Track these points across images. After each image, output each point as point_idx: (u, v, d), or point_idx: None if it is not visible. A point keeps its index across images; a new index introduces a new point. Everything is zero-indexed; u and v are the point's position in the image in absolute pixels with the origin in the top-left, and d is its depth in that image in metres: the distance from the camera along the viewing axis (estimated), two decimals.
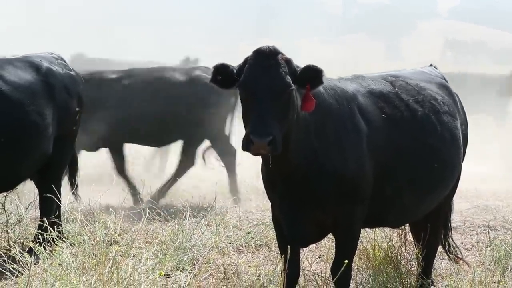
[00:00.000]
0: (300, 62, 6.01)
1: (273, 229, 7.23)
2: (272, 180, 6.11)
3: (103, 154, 13.06)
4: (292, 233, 6.15)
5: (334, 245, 6.40)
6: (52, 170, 8.23)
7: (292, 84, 5.77)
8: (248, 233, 8.90)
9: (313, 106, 5.90)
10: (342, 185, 6.04)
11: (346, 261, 6.07)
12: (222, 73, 5.91)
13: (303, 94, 5.89)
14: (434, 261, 7.36)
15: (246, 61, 5.88)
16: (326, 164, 6.00)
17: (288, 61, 5.85)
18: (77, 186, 8.64)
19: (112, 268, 5.54)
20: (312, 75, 5.87)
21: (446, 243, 7.45)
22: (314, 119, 5.99)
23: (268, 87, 5.72)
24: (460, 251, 7.63)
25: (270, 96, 5.69)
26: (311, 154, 5.97)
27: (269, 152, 5.67)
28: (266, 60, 5.79)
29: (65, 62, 8.53)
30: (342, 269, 6.04)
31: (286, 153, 5.83)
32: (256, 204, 11.08)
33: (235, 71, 5.88)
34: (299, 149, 5.92)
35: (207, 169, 13.01)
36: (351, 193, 6.09)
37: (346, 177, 6.05)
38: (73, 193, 8.64)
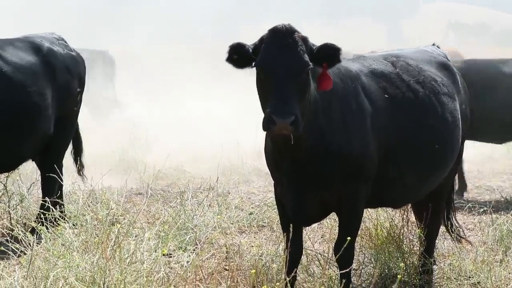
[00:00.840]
0: None
1: (276, 210, 7.25)
2: (279, 160, 6.08)
3: (103, 134, 13.07)
4: (296, 212, 6.14)
5: (338, 225, 6.40)
6: (54, 150, 8.23)
7: (310, 63, 5.75)
8: (251, 213, 8.91)
9: (331, 84, 5.87)
10: (347, 165, 6.03)
11: (345, 239, 6.05)
12: (238, 52, 5.84)
13: (320, 73, 5.86)
14: (437, 241, 7.36)
15: (262, 40, 5.82)
16: (332, 144, 5.98)
17: (305, 39, 5.81)
18: (82, 166, 8.64)
19: (115, 247, 5.54)
20: (330, 53, 5.83)
21: (449, 223, 7.45)
22: (321, 98, 5.97)
23: (287, 66, 5.67)
24: (463, 231, 7.63)
25: (290, 76, 5.64)
26: (318, 134, 5.95)
27: (291, 133, 5.61)
28: (283, 39, 5.74)
29: (65, 42, 8.51)
30: (345, 247, 6.03)
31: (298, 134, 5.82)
32: (259, 185, 11.09)
33: (251, 50, 5.84)
34: (309, 128, 5.90)
35: (210, 150, 13.03)
36: (355, 172, 6.08)
37: (351, 156, 6.03)
38: (79, 173, 8.63)
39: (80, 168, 8.67)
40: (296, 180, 6.02)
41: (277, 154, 6.05)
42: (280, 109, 5.55)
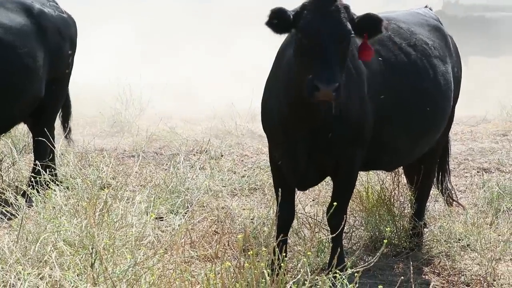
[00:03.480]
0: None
1: (268, 172, 7.24)
2: (293, 126, 6.03)
3: (99, 97, 13.03)
4: (300, 177, 6.14)
5: (332, 188, 6.42)
6: (45, 113, 8.19)
7: (352, 32, 5.73)
8: (243, 176, 8.91)
9: (371, 54, 5.88)
10: (348, 129, 6.04)
11: (338, 203, 6.07)
12: (279, 17, 5.81)
13: (361, 43, 5.86)
14: (428, 203, 7.39)
15: (304, 6, 5.80)
16: (339, 109, 5.97)
17: (347, 8, 5.81)
18: (70, 130, 8.60)
19: (103, 211, 5.54)
20: (372, 23, 5.83)
21: (442, 186, 7.47)
22: None
23: (330, 33, 5.66)
24: (454, 193, 7.65)
25: (333, 43, 5.64)
26: None
27: (333, 100, 5.62)
28: (326, 6, 5.72)
29: (56, 4, 8.43)
30: (337, 210, 6.04)
31: None
32: (252, 148, 11.07)
33: (292, 16, 5.80)
34: None
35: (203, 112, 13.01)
36: (354, 136, 6.09)
37: (352, 120, 6.04)
38: (66, 137, 8.60)
39: (67, 132, 8.63)
40: (307, 146, 6.02)
41: (295, 120, 6.00)
42: (325, 75, 5.54)
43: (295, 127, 6.00)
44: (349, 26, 5.73)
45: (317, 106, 5.75)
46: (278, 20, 5.82)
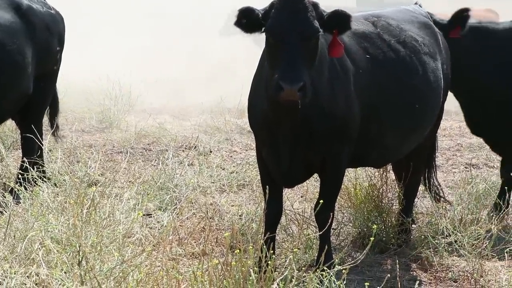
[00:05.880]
0: None
1: (257, 169, 7.24)
2: (274, 122, 6.03)
3: (88, 92, 12.99)
4: (285, 174, 6.14)
5: (319, 185, 6.42)
6: (33, 109, 8.17)
7: (320, 29, 5.71)
8: (232, 172, 8.91)
9: (342, 51, 5.85)
10: (333, 125, 6.05)
11: (326, 199, 6.07)
12: (247, 16, 5.80)
13: (331, 40, 5.84)
14: (416, 200, 7.40)
15: (272, 5, 5.79)
16: (323, 105, 5.97)
17: (315, 5, 5.79)
18: (58, 126, 8.58)
19: (91, 209, 5.54)
20: (341, 20, 5.82)
21: (428, 182, 7.49)
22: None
23: (297, 32, 5.64)
24: (442, 190, 7.67)
25: (299, 42, 5.62)
26: (313, 96, 5.93)
27: (299, 99, 5.59)
28: (293, 4, 5.70)
29: (44, 0, 8.41)
30: (325, 207, 6.05)
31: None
32: (241, 143, 11.07)
33: (260, 15, 5.79)
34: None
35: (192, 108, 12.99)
36: (340, 133, 6.10)
37: (337, 117, 6.04)
38: (54, 133, 8.58)
39: (55, 129, 8.61)
40: (288, 142, 6.02)
41: (274, 117, 6.00)
42: (289, 75, 5.53)
43: (276, 123, 6.01)
44: (317, 24, 5.70)
45: (296, 105, 5.72)
46: (246, 20, 5.80)
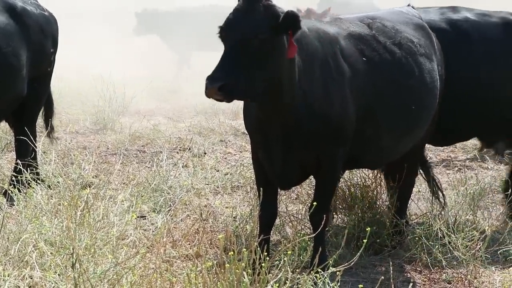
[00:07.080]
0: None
1: (251, 170, 7.25)
2: (265, 123, 6.05)
3: (82, 94, 12.99)
4: (280, 176, 6.15)
5: (314, 187, 6.42)
6: (27, 111, 8.17)
7: (264, 31, 5.68)
8: (226, 174, 8.91)
9: (294, 52, 5.85)
10: (327, 126, 6.06)
11: (320, 201, 6.08)
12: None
13: (288, 40, 5.82)
14: (410, 201, 7.40)
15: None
16: (313, 106, 5.99)
17: (269, 7, 5.76)
18: (52, 128, 8.57)
19: (84, 211, 5.53)
20: (291, 21, 5.79)
21: (433, 183, 7.52)
22: (303, 62, 5.95)
23: (238, 33, 5.66)
24: (441, 191, 7.67)
25: (238, 42, 5.63)
26: (301, 96, 5.94)
27: (222, 99, 5.64)
28: (246, 5, 5.72)
29: (37, 1, 8.40)
30: (320, 208, 6.05)
31: (281, 98, 5.83)
32: (235, 145, 11.08)
33: None
34: (292, 92, 5.89)
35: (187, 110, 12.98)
36: (335, 134, 6.11)
37: (331, 118, 6.05)
38: (48, 135, 8.57)
39: (50, 130, 8.60)
40: (281, 143, 6.03)
41: (264, 117, 6.02)
42: (212, 74, 5.59)
43: (267, 123, 6.03)
44: (262, 26, 5.68)
45: (281, 103, 5.79)
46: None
